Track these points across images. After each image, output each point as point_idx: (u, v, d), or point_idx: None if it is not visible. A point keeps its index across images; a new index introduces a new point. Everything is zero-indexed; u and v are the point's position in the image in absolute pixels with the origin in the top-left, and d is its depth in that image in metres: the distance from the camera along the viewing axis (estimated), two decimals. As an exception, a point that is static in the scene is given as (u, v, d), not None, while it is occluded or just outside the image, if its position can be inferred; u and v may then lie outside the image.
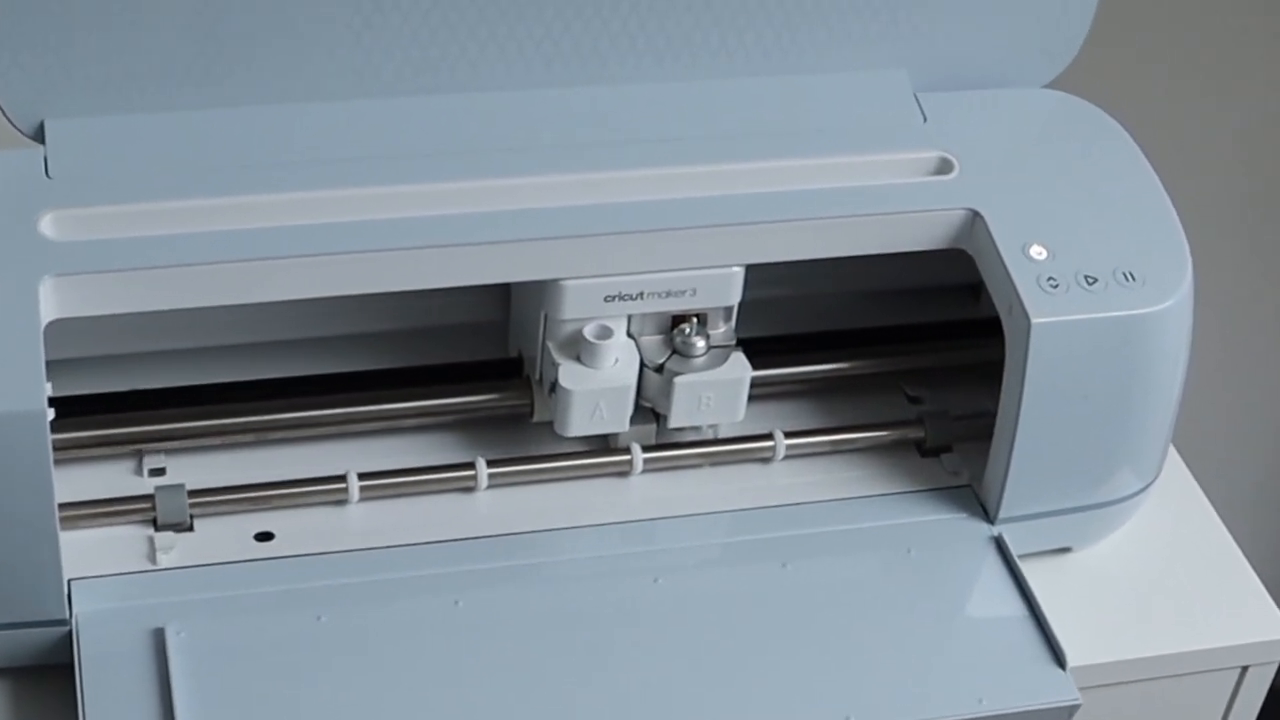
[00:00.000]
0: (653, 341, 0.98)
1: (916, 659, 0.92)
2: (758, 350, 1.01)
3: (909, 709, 0.90)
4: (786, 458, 1.01)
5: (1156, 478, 1.02)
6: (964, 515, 0.99)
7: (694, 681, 0.90)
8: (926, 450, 1.02)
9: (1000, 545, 0.97)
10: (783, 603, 0.94)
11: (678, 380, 0.96)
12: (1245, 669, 1.01)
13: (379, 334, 1.02)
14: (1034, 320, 0.93)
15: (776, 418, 1.03)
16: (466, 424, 1.00)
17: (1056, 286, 0.94)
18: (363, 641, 0.90)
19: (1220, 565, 1.03)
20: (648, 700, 0.89)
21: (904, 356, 1.05)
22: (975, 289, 1.07)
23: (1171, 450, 1.07)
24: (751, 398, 1.01)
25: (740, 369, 0.97)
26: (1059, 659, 0.92)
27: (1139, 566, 1.03)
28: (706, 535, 0.97)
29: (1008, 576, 0.96)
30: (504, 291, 1.02)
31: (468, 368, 1.02)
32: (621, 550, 0.96)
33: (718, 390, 0.97)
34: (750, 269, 0.97)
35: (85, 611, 0.90)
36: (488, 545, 0.95)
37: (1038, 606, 0.94)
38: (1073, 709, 0.91)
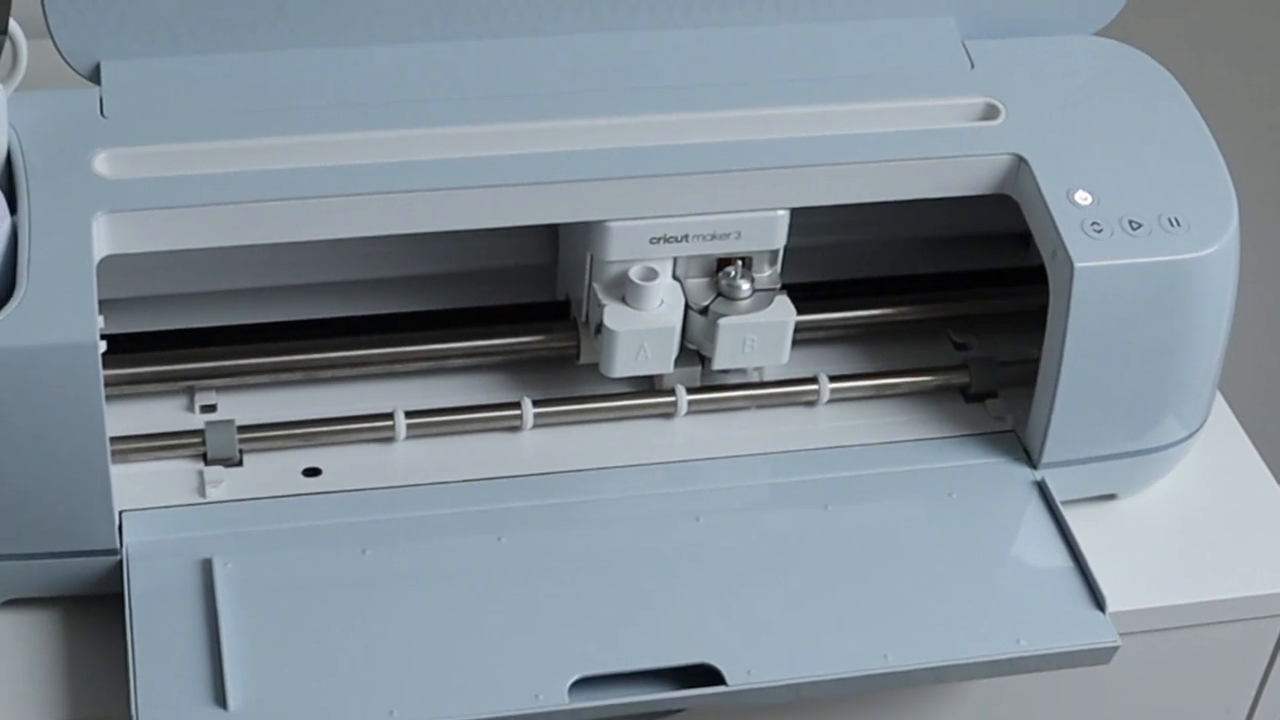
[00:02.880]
0: (698, 284, 0.98)
1: (955, 600, 0.92)
2: (804, 295, 1.01)
3: (947, 649, 0.90)
4: (830, 401, 1.01)
5: (1202, 425, 1.02)
6: (1007, 460, 0.99)
7: (733, 620, 0.90)
8: (971, 396, 1.02)
9: (1043, 490, 0.98)
10: (823, 544, 0.94)
11: (722, 322, 0.97)
12: (1290, 617, 1.02)
13: (430, 276, 1.03)
14: (1077, 265, 0.93)
15: (821, 362, 1.03)
16: (513, 365, 1.01)
17: (1100, 231, 0.94)
18: (406, 576, 0.91)
19: (1266, 513, 1.03)
20: (687, 638, 0.89)
21: (951, 303, 1.05)
22: (1025, 237, 1.07)
23: (1219, 398, 1.08)
24: (796, 342, 1.02)
25: (785, 312, 0.98)
26: (1099, 602, 0.92)
27: (1184, 514, 1.03)
28: (749, 477, 0.98)
29: (1049, 521, 0.96)
30: (552, 235, 1.03)
31: (516, 310, 1.03)
32: (664, 490, 0.97)
33: (762, 333, 0.98)
34: (797, 215, 0.98)
35: (135, 542, 0.92)
36: (531, 484, 0.96)
37: (1079, 550, 0.95)
38: (1112, 651, 0.91)
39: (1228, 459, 1.06)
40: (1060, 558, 0.95)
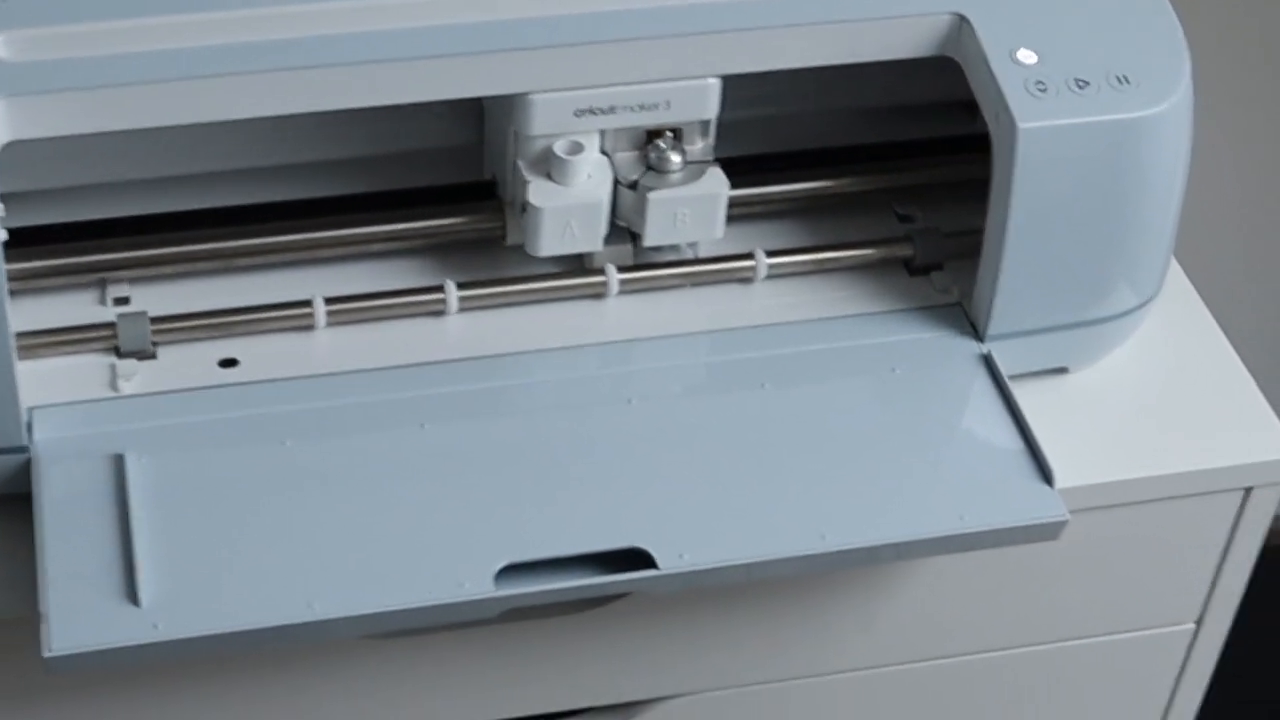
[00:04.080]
0: (627, 158, 0.94)
1: (896, 478, 0.89)
2: (742, 169, 0.97)
3: (886, 527, 0.87)
4: (769, 277, 0.97)
5: (1157, 293, 0.98)
6: (952, 334, 0.95)
7: (666, 504, 0.87)
8: (915, 268, 0.98)
9: (989, 363, 0.94)
10: (760, 423, 0.91)
11: (651, 196, 0.93)
12: (1249, 490, 0.98)
13: (353, 160, 0.99)
14: (1020, 125, 0.89)
15: (760, 237, 0.99)
16: (437, 248, 0.97)
17: (1045, 91, 0.90)
18: (327, 467, 0.88)
19: (1224, 384, 1.00)
20: (618, 523, 0.86)
21: (894, 174, 1.01)
22: (971, 105, 1.01)
23: (1176, 266, 1.04)
24: (735, 218, 0.98)
25: (717, 184, 0.94)
26: (1046, 476, 0.89)
27: (1139, 386, 0.99)
28: (683, 357, 0.94)
29: (996, 394, 0.93)
30: (478, 112, 0.99)
31: (441, 191, 0.99)
32: (595, 373, 0.93)
33: (693, 206, 0.94)
34: (733, 87, 0.93)
35: (45, 439, 0.88)
36: (456, 369, 0.93)
37: (1025, 423, 0.91)
38: (1059, 526, 0.88)
39: (1184, 327, 1.02)
40: (1006, 432, 0.91)
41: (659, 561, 0.85)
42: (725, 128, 0.96)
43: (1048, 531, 0.88)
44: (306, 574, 0.84)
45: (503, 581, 0.85)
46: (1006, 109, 0.89)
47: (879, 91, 1.02)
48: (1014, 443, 0.91)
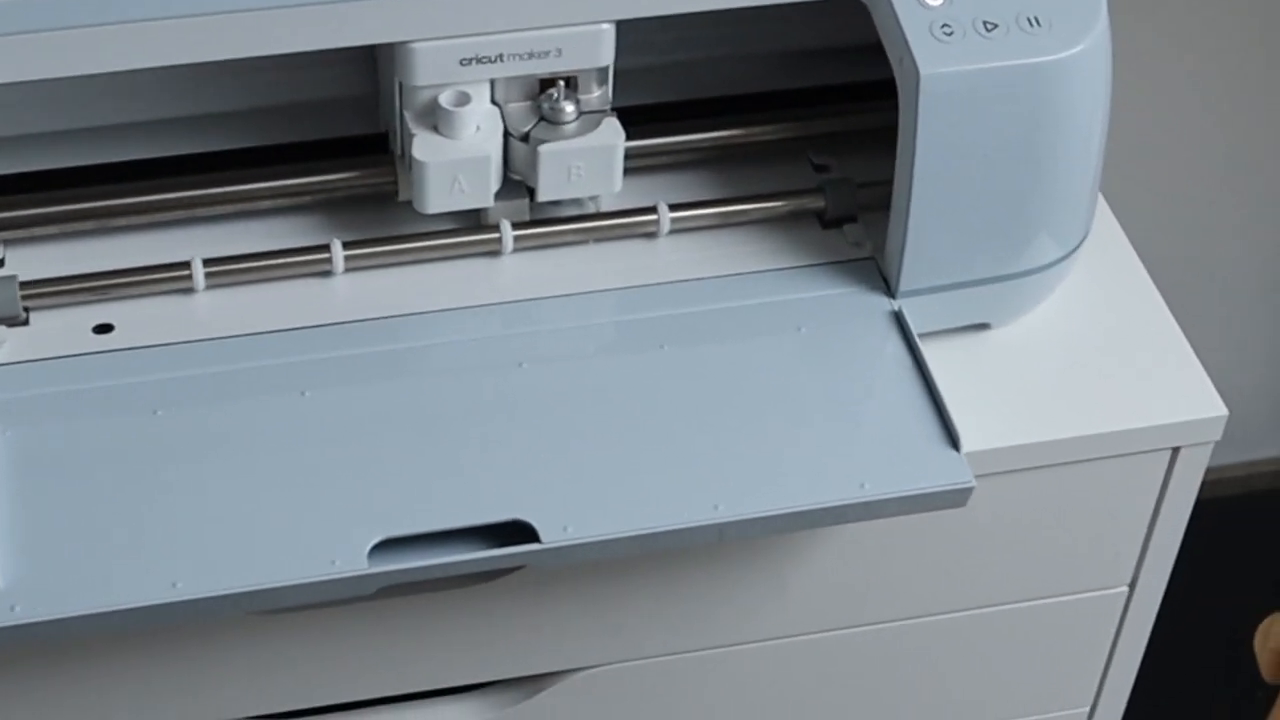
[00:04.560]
0: (519, 108, 0.90)
1: (796, 444, 0.85)
2: (648, 117, 0.93)
3: (783, 496, 0.83)
4: (673, 232, 0.93)
5: (1080, 244, 0.93)
6: (864, 290, 0.91)
7: (552, 474, 0.83)
8: (828, 221, 0.94)
9: (899, 321, 0.90)
10: (656, 387, 0.87)
11: (543, 149, 0.88)
12: (1176, 450, 0.94)
13: (239, 112, 0.94)
14: (924, 71, 0.84)
15: (669, 190, 0.95)
16: (327, 205, 0.93)
17: (951, 34, 0.86)
18: (199, 437, 0.84)
19: (1153, 339, 0.95)
20: (501, 495, 0.82)
21: (807, 121, 0.96)
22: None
23: (1106, 212, 1.00)
24: (641, 170, 0.94)
25: (612, 135, 0.89)
26: (953, 440, 0.85)
27: (1064, 342, 0.94)
28: (580, 317, 0.90)
29: (905, 354, 0.88)
30: (371, 62, 0.95)
31: (336, 145, 0.94)
32: (486, 335, 0.89)
33: (588, 159, 0.89)
34: (635, 31, 0.89)
35: (-92, 411, 0.85)
36: (342, 332, 0.89)
37: (934, 385, 0.87)
38: (966, 492, 0.84)
39: (1114, 279, 0.97)
40: (914, 394, 0.87)
41: (541, 535, 0.81)
42: (628, 75, 0.92)
43: (953, 499, 0.84)
44: (172, 553, 0.80)
45: (377, 558, 0.81)
46: (909, 54, 0.85)
47: (793, 34, 0.97)
48: (921, 406, 0.87)
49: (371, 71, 0.94)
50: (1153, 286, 0.97)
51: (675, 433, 0.85)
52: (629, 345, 0.89)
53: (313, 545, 0.81)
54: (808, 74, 0.98)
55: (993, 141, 0.86)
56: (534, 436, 0.85)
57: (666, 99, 0.96)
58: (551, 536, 0.81)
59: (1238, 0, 1.43)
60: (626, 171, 0.94)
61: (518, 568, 0.88)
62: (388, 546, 0.82)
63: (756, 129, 0.96)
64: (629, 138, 0.93)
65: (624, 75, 0.92)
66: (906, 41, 0.85)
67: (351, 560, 0.81)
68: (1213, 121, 1.51)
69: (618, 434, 0.85)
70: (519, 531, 0.82)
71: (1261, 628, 1.21)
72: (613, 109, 0.91)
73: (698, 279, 0.91)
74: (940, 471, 0.84)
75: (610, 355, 0.89)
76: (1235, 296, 1.67)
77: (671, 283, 0.91)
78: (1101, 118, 0.89)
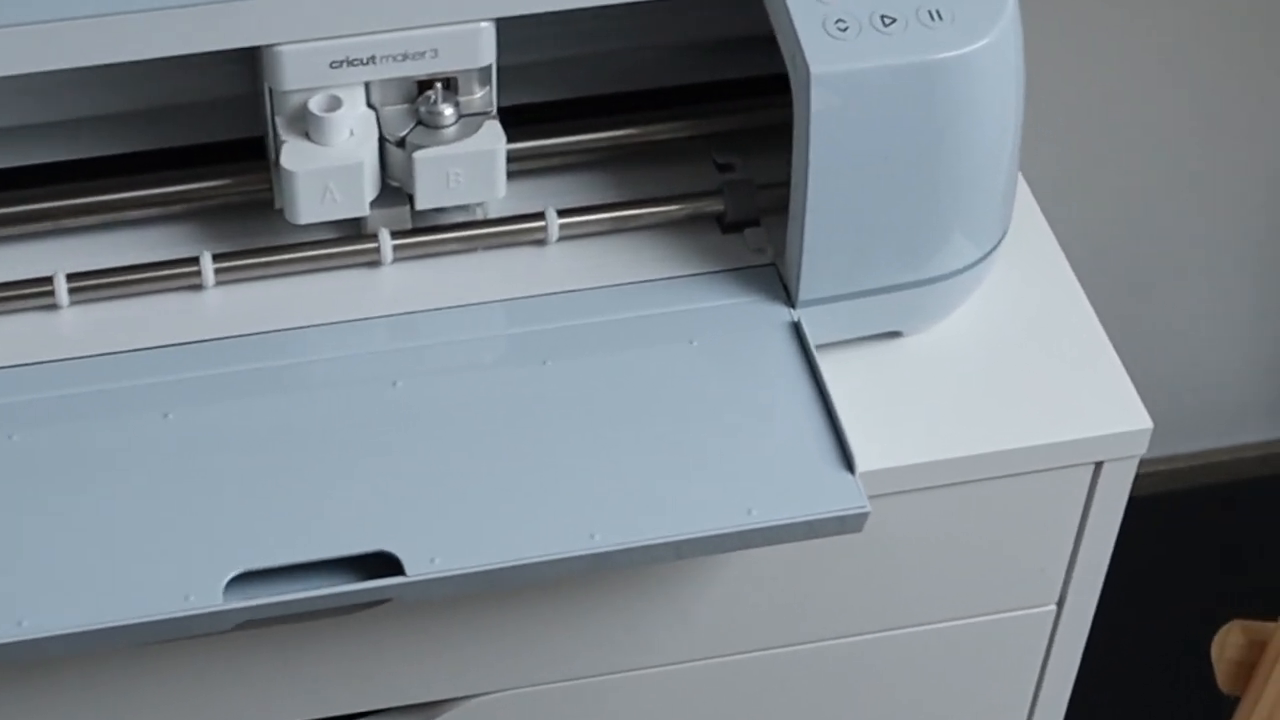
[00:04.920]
0: (396, 112, 0.85)
1: (680, 467, 0.80)
2: (541, 117, 0.89)
3: (664, 524, 0.78)
4: (564, 239, 0.88)
5: (995, 247, 0.88)
6: (763, 299, 0.86)
7: (421, 501, 0.79)
8: (728, 225, 0.89)
9: (798, 332, 0.85)
10: (536, 406, 0.82)
11: (418, 155, 0.83)
12: (1100, 465, 0.89)
13: (110, 116, 0.90)
14: (814, 70, 0.79)
15: (564, 193, 0.90)
16: (200, 215, 0.88)
17: (846, 30, 0.81)
18: (53, 464, 0.80)
19: (1077, 346, 0.90)
20: (367, 523, 0.78)
21: (711, 119, 0.91)
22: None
23: (1034, 211, 0.95)
24: (536, 171, 0.90)
25: (493, 139, 0.84)
26: (848, 462, 0.80)
27: (982, 351, 0.89)
28: (459, 331, 0.85)
29: (802, 369, 0.84)
30: (251, 63, 0.90)
31: (210, 150, 0.90)
32: (360, 351, 0.84)
33: (467, 165, 0.84)
34: (524, 25, 0.84)
35: None
36: (210, 350, 0.84)
37: (830, 402, 0.82)
38: (860, 518, 0.79)
39: (1036, 281, 0.92)
40: (809, 412, 0.82)
41: (406, 567, 0.77)
42: (515, 72, 0.88)
43: (847, 524, 0.79)
44: (16, 588, 0.76)
45: (235, 592, 0.77)
46: (800, 51, 0.80)
47: (691, 26, 0.91)
48: (816, 425, 0.82)
49: (252, 71, 0.90)
50: (1079, 288, 0.92)
51: (554, 455, 0.80)
52: (510, 361, 0.84)
53: (167, 579, 0.77)
54: (710, 68, 0.92)
55: (892, 142, 0.82)
56: (405, 460, 0.80)
57: (558, 97, 0.91)
58: (417, 569, 0.77)
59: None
60: (518, 175, 0.89)
61: (384, 600, 0.84)
62: (246, 579, 0.78)
63: (655, 127, 0.91)
64: (519, 139, 0.88)
65: (511, 73, 0.87)
66: (798, 37, 0.80)
67: (206, 595, 0.76)
68: (1199, 99, 1.46)
69: (493, 457, 0.80)
70: (386, 562, 0.78)
71: (1218, 637, 1.16)
72: (499, 109, 0.87)
73: (587, 289, 0.87)
74: (833, 496, 0.79)
75: (490, 372, 0.84)
76: (1222, 280, 1.62)
77: (559, 293, 0.86)
78: (1013, 113, 0.84)
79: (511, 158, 0.89)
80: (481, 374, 0.84)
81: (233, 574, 0.77)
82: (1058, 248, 0.94)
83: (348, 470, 0.80)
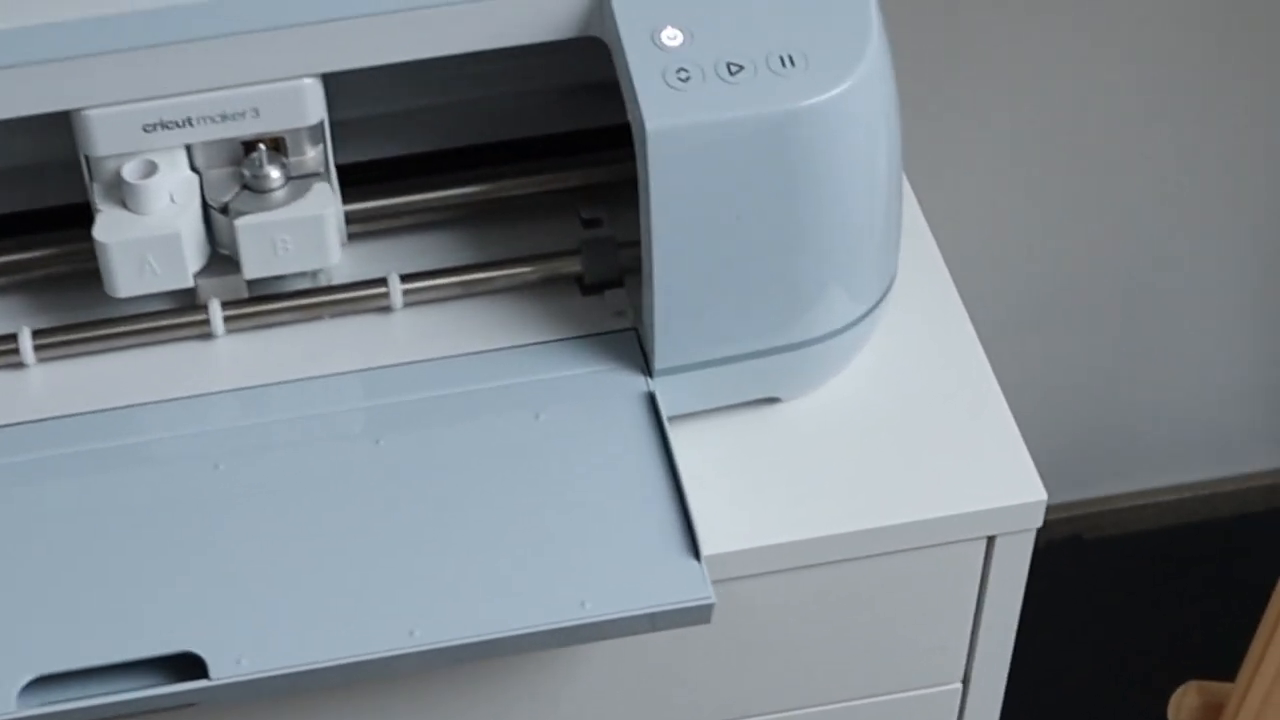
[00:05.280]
0: (220, 175, 0.79)
1: (514, 555, 0.74)
2: (394, 173, 0.83)
3: (490, 619, 0.72)
4: (413, 305, 0.82)
5: (876, 305, 0.82)
6: (619, 367, 0.80)
7: (232, 597, 0.73)
8: (588, 287, 0.83)
9: (652, 404, 0.79)
10: (364, 491, 0.76)
11: (239, 223, 0.78)
12: (991, 540, 0.82)
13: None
14: (649, 125, 0.73)
15: (416, 254, 0.84)
16: (23, 287, 0.83)
17: (688, 80, 0.75)
18: None
19: (971, 409, 0.83)
20: (173, 622, 0.72)
21: (574, 171, 0.85)
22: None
23: (934, 258, 0.88)
24: (385, 232, 0.84)
25: (321, 203, 0.79)
26: (694, 549, 0.74)
27: (867, 415, 0.83)
28: (289, 408, 0.80)
29: (653, 445, 0.77)
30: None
31: (43, 216, 0.85)
32: (182, 431, 0.79)
33: (295, 231, 0.79)
34: (358, 76, 0.78)
35: None
36: (23, 433, 0.79)
37: (680, 483, 0.76)
38: (705, 609, 0.73)
39: (931, 336, 0.86)
40: (657, 494, 0.76)
41: (211, 669, 0.71)
42: (358, 126, 0.82)
43: (690, 616, 0.73)
44: None
45: (30, 697, 0.72)
46: (637, 104, 0.74)
47: (546, 72, 0.85)
48: (664, 508, 0.75)
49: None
50: (977, 343, 0.86)
51: (378, 544, 0.75)
52: (341, 439, 0.78)
53: (-43, 685, 0.72)
54: (568, 116, 0.86)
55: (744, 199, 0.75)
56: (219, 552, 0.75)
57: (407, 151, 0.85)
58: (222, 670, 0.71)
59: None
60: (364, 236, 0.84)
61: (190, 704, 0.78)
62: (44, 683, 0.72)
63: (512, 182, 0.85)
64: (364, 198, 0.83)
65: (352, 127, 0.82)
66: (634, 89, 0.74)
67: (0, 701, 0.72)
68: (1199, 122, 1.39)
69: (314, 547, 0.75)
70: (189, 663, 0.73)
71: (1174, 699, 1.09)
72: (344, 167, 0.81)
73: (430, 359, 0.81)
74: (675, 586, 0.73)
75: (319, 452, 0.78)
76: (1226, 301, 1.55)
77: (400, 365, 0.81)
78: (884, 158, 0.78)
79: (357, 219, 0.84)
80: (310, 454, 0.78)
81: (29, 678, 0.72)
82: (956, 296, 0.88)
83: (158, 562, 0.74)
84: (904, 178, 0.84)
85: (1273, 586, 1.02)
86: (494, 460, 0.77)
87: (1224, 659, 1.21)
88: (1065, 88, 1.31)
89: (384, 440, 0.78)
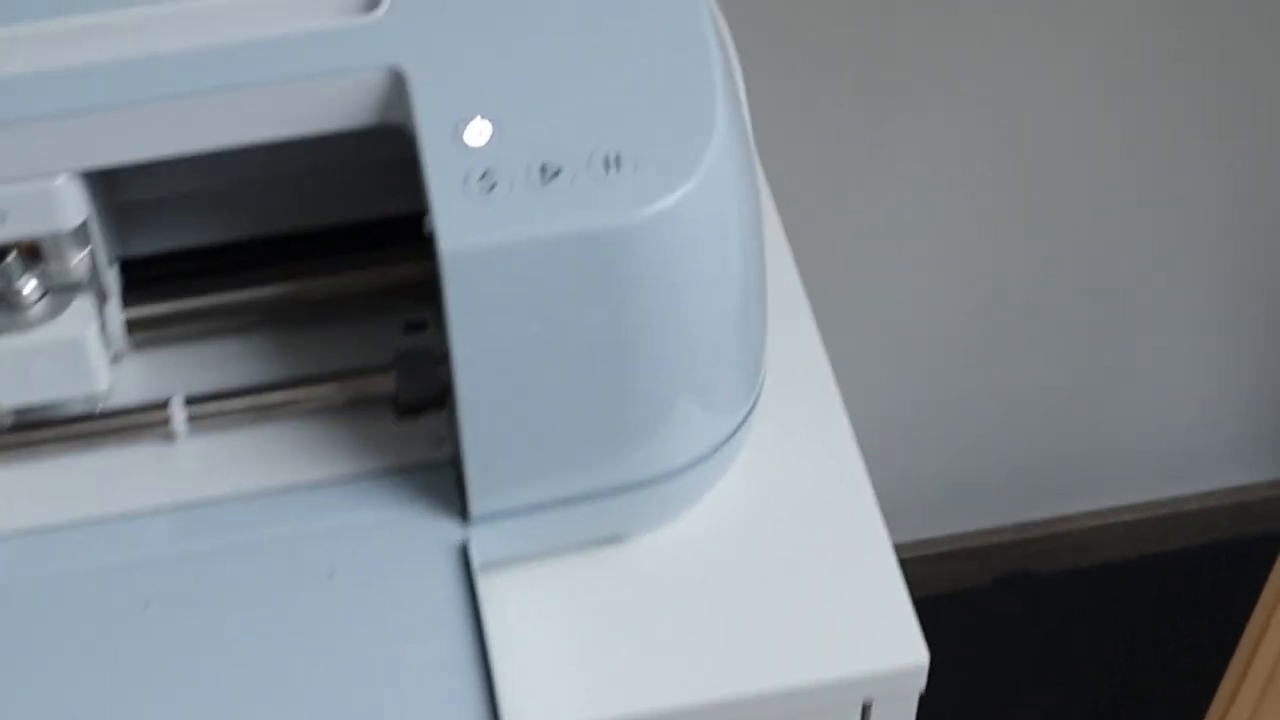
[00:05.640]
0: (-33, 288, 0.69)
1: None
2: (182, 269, 0.72)
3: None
4: (200, 431, 0.71)
5: (734, 433, 0.70)
6: (429, 510, 0.68)
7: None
8: (403, 409, 0.72)
9: (465, 559, 0.67)
10: (122, 666, 0.65)
11: (-20, 347, 0.68)
12: (867, 707, 0.71)
13: None
14: (444, 246, 0.62)
15: (211, 367, 0.72)
16: None
17: (493, 188, 0.63)
18: None
19: (847, 552, 0.71)
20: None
21: (399, 265, 0.73)
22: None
23: (823, 370, 0.77)
24: (169, 342, 0.73)
25: (79, 324, 0.68)
26: (498, 736, 0.63)
27: (725, 555, 0.71)
28: (41, 562, 0.68)
29: (461, 609, 0.66)
30: None
31: None
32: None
33: (48, 355, 0.68)
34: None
35: None
36: None
37: (488, 655, 0.65)
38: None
39: (808, 462, 0.74)
40: (461, 671, 0.64)
41: None
42: (147, 214, 0.71)
43: (491, 814, 0.63)
44: None
45: None
46: (433, 219, 0.63)
47: (372, 146, 0.72)
48: (468, 688, 0.64)
49: None
50: (862, 470, 0.74)
51: (133, 732, 0.64)
52: (101, 603, 0.67)
53: None
54: (391, 199, 0.73)
55: (562, 324, 0.63)
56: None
57: (202, 241, 0.73)
58: None
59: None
60: (156, 344, 0.73)
61: None
62: None
63: (325, 280, 0.73)
64: (153, 299, 0.72)
65: (140, 213, 0.71)
66: (431, 200, 0.63)
67: None
68: (1178, 141, 1.28)
69: (58, 734, 0.64)
70: None
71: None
72: (129, 263, 0.70)
73: (213, 500, 0.69)
74: (469, 784, 0.62)
75: (72, 618, 0.67)
76: (1190, 319, 1.44)
77: (178, 508, 0.69)
78: (737, 267, 0.66)
79: (141, 325, 0.73)
80: (62, 620, 0.67)
81: None
82: (842, 414, 0.76)
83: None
84: (765, 271, 0.71)
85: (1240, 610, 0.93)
86: (273, 631, 0.65)
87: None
88: (1038, 95, 1.20)
89: (155, 604, 0.66)
